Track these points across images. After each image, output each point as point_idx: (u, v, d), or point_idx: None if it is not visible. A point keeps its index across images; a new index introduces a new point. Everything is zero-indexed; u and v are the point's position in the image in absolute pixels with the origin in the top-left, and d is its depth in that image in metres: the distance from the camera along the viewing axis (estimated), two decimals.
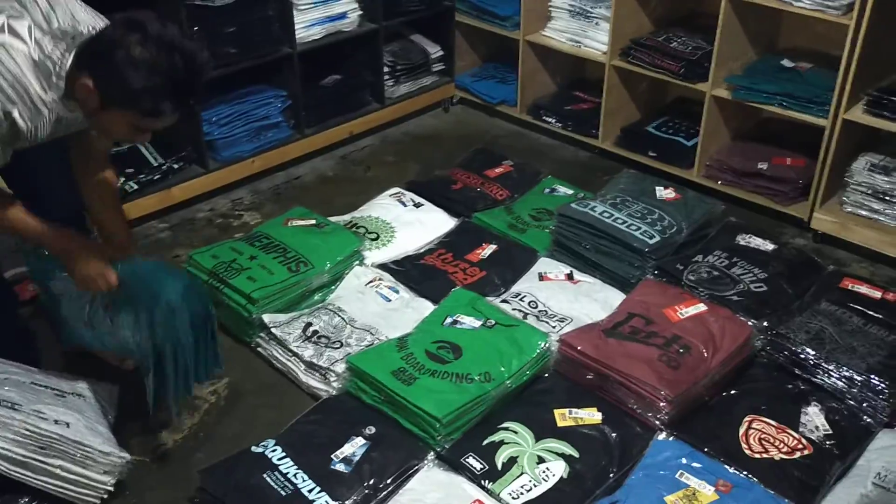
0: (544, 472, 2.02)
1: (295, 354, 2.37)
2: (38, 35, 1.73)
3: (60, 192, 2.20)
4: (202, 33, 3.06)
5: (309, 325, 2.46)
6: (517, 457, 2.05)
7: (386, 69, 3.76)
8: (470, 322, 2.39)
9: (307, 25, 3.39)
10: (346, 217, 3.00)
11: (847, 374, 2.22)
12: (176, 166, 3.20)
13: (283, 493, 1.95)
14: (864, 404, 2.18)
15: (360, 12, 3.56)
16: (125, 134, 1.88)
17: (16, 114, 1.72)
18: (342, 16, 3.50)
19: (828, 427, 2.14)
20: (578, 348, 2.28)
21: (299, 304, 2.59)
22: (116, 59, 1.69)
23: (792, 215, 3.17)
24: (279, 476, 1.99)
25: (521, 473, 2.01)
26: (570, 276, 2.68)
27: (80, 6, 1.84)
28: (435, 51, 3.94)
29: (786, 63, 3.23)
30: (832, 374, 2.24)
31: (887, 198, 2.93)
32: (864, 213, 3.00)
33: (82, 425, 1.98)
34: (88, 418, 2.03)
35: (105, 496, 2.00)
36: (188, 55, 1.74)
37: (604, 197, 2.86)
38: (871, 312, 2.42)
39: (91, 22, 1.80)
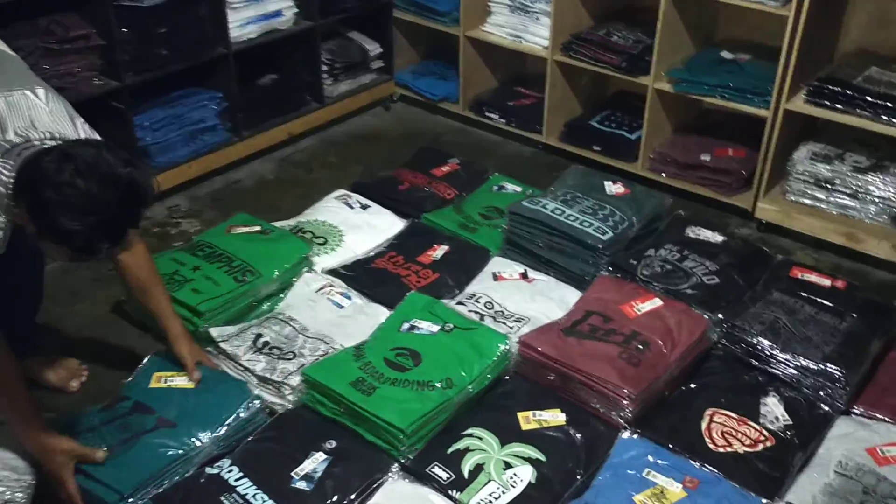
0: (512, 477, 1.98)
1: (246, 369, 2.27)
2: None
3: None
4: (132, 35, 2.93)
5: (259, 336, 2.37)
6: (483, 464, 2.01)
7: (324, 68, 3.68)
8: (427, 327, 2.33)
9: (241, 24, 3.28)
10: (292, 222, 2.90)
11: (803, 363, 2.23)
12: None
13: None
14: (822, 392, 2.20)
15: (296, 10, 3.46)
16: (67, 260, 1.75)
17: None
18: (277, 13, 3.40)
19: (787, 417, 2.15)
20: (539, 349, 2.25)
21: (247, 315, 2.49)
22: (45, 197, 1.55)
23: (736, 205, 3.21)
24: (237, 498, 1.90)
25: (489, 481, 1.97)
26: (524, 275, 2.65)
27: (44, 109, 1.73)
28: (373, 48, 3.86)
29: (725, 55, 3.26)
30: (788, 363, 2.26)
31: (829, 186, 2.99)
32: (806, 201, 3.05)
33: None
34: None
35: None
36: (131, 188, 1.60)
37: (554, 194, 2.84)
38: (822, 301, 2.44)
39: (50, 128, 1.67)
